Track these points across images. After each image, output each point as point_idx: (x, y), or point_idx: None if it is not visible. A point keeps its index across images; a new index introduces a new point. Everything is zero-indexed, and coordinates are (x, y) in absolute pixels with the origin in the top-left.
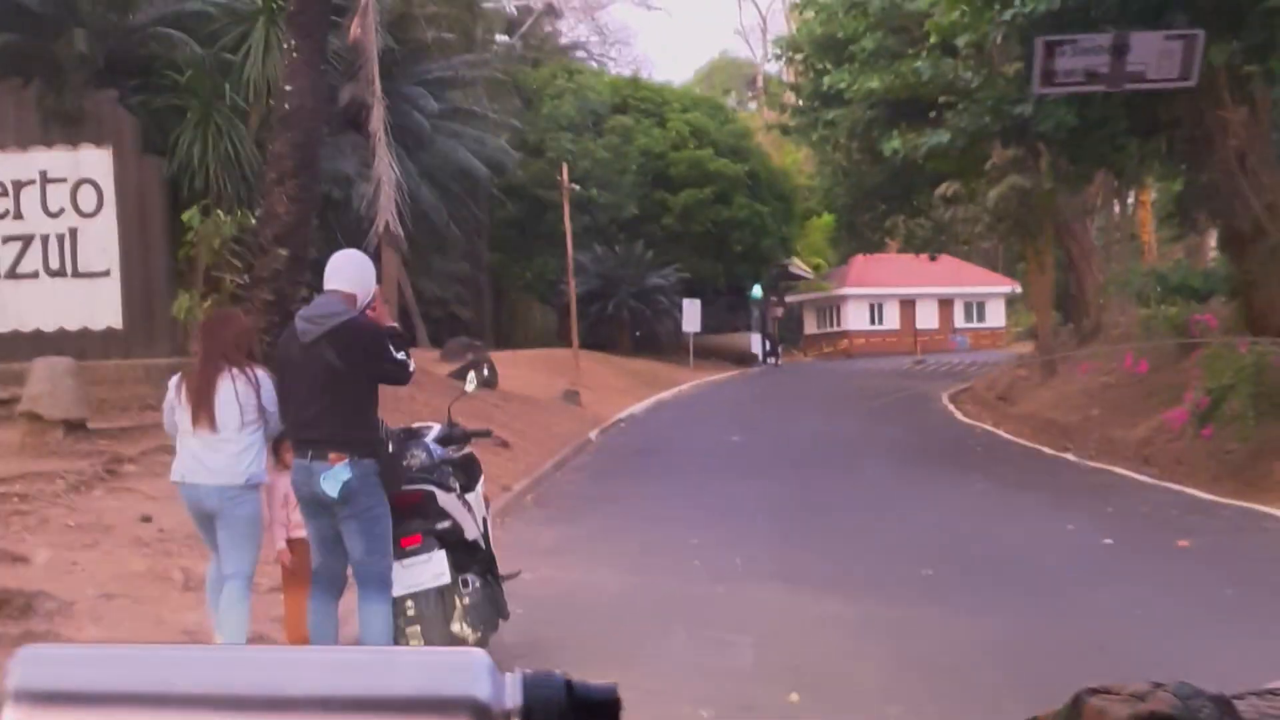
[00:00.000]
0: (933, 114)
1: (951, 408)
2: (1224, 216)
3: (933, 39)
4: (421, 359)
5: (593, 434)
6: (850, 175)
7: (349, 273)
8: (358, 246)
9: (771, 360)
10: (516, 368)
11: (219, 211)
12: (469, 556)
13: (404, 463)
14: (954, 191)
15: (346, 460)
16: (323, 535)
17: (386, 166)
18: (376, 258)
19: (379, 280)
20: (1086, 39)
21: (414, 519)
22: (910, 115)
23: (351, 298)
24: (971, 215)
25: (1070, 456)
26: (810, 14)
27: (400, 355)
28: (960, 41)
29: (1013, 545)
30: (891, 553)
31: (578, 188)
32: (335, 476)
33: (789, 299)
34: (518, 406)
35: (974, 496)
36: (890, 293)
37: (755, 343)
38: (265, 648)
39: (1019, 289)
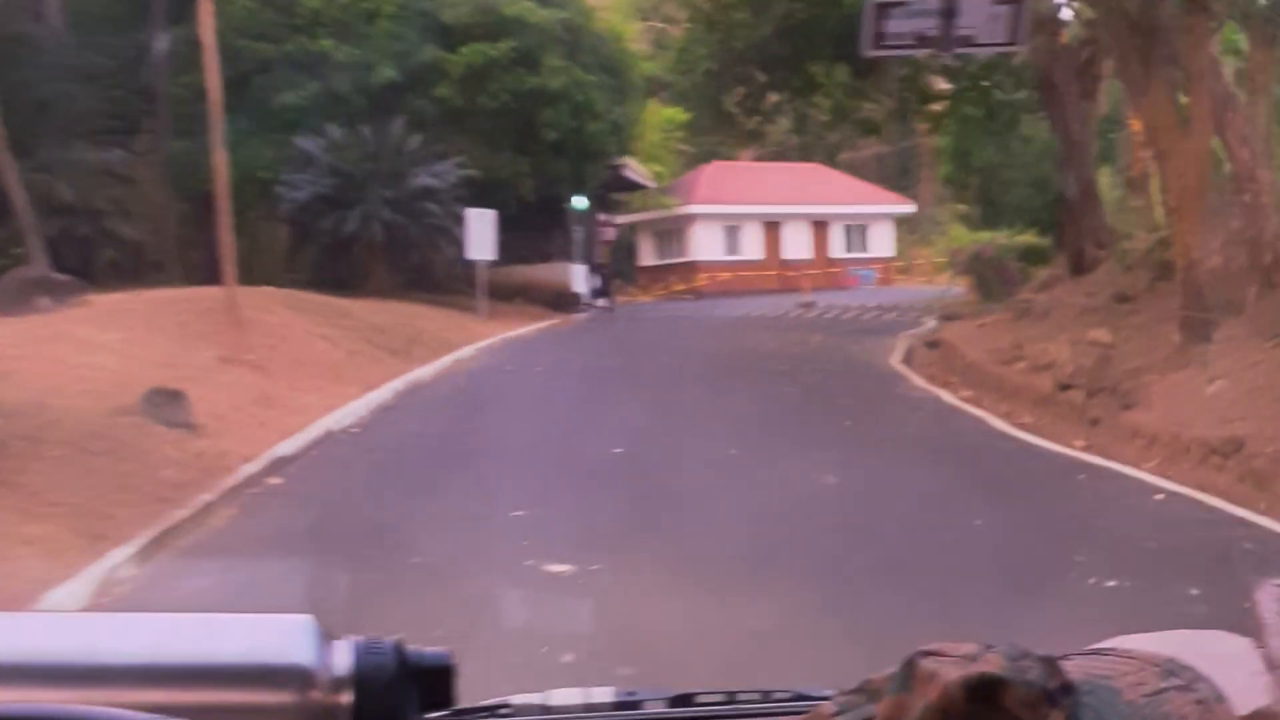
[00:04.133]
0: None
1: (957, 402)
2: None
3: None
4: None
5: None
6: (717, 27)
7: None
8: None
9: (602, 302)
10: (129, 327)
11: None
12: None
13: None
14: None
15: None
16: None
17: None
18: None
19: None
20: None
21: None
22: None
23: None
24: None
25: None
26: None
27: None
28: None
29: None
30: None
31: None
32: None
33: (620, 219)
34: None
35: None
36: (750, 211)
37: (578, 277)
38: (88, 613)
39: (914, 208)
